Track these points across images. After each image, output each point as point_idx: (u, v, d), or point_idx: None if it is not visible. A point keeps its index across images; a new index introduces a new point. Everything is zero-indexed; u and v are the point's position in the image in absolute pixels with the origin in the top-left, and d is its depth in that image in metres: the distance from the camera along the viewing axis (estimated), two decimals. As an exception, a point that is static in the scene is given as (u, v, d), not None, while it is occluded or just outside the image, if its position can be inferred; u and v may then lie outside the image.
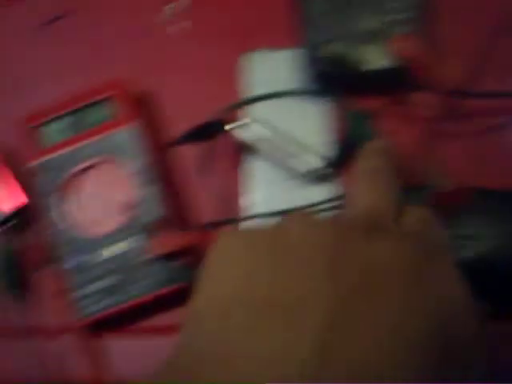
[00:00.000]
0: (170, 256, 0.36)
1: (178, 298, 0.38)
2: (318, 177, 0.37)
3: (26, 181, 0.40)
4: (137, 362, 0.37)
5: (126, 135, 0.38)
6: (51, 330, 0.39)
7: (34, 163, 0.39)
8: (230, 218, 0.38)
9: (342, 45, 0.37)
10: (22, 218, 0.40)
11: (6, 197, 0.39)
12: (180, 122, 0.40)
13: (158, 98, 0.41)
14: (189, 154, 0.40)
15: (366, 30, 0.37)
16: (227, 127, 0.38)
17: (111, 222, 0.38)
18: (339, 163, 0.37)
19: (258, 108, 0.39)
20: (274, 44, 0.40)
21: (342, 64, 0.37)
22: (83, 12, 0.44)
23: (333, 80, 0.38)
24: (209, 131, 0.37)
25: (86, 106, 0.39)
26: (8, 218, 0.40)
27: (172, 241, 0.36)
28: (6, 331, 0.40)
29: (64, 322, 0.38)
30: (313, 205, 0.36)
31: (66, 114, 0.39)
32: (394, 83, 0.37)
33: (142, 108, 0.40)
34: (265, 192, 0.38)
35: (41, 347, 0.38)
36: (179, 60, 0.42)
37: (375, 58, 0.36)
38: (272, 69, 0.40)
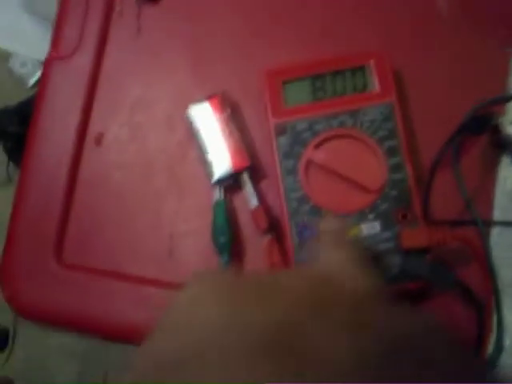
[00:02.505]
0: (412, 251, 0.34)
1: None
2: None
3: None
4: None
5: (380, 110, 0.35)
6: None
7: (277, 122, 0.36)
8: (474, 220, 0.35)
9: None
10: (237, 179, 0.38)
11: (232, 155, 0.37)
12: (429, 106, 0.37)
13: (410, 78, 0.38)
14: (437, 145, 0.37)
15: None
16: (498, 121, 0.34)
17: (352, 201, 0.35)
18: None
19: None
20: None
21: None
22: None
23: None
24: (479, 124, 0.34)
25: (337, 72, 0.36)
26: (228, 177, 0.37)
27: (421, 236, 0.33)
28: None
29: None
30: None
31: (315, 76, 0.36)
32: None
33: (397, 85, 0.36)
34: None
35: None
36: (441, 42, 0.39)
37: None
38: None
